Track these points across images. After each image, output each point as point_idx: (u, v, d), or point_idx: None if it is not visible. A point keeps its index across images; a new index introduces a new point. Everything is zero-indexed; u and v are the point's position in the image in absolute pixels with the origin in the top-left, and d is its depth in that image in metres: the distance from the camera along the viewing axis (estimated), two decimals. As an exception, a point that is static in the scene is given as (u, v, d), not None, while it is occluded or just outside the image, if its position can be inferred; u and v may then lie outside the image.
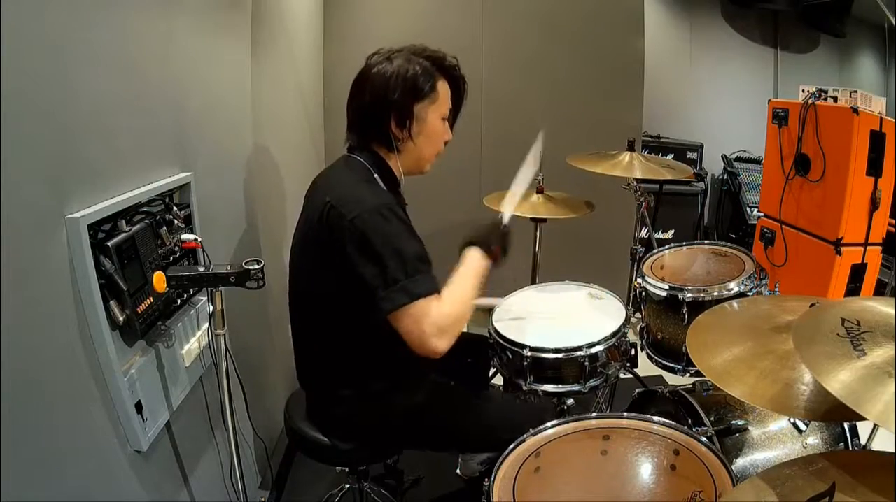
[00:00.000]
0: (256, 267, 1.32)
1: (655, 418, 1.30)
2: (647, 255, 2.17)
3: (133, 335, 1.25)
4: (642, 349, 2.00)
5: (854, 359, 0.82)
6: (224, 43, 1.78)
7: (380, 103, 1.39)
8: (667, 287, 1.89)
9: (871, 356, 0.82)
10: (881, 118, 2.75)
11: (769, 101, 3.34)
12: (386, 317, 1.27)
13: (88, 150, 1.12)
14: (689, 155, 4.50)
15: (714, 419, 1.50)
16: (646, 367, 2.03)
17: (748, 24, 4.88)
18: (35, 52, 0.97)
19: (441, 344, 1.26)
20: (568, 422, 1.31)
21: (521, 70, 3.10)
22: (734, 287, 1.83)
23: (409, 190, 1.55)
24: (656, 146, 4.43)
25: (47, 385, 1.02)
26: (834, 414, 0.99)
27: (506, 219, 1.53)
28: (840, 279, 2.92)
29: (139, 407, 1.25)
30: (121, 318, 1.19)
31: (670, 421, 1.28)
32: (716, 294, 1.82)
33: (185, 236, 1.44)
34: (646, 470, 1.20)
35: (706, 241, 2.25)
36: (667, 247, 2.20)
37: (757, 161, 4.48)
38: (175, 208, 1.44)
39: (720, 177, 4.79)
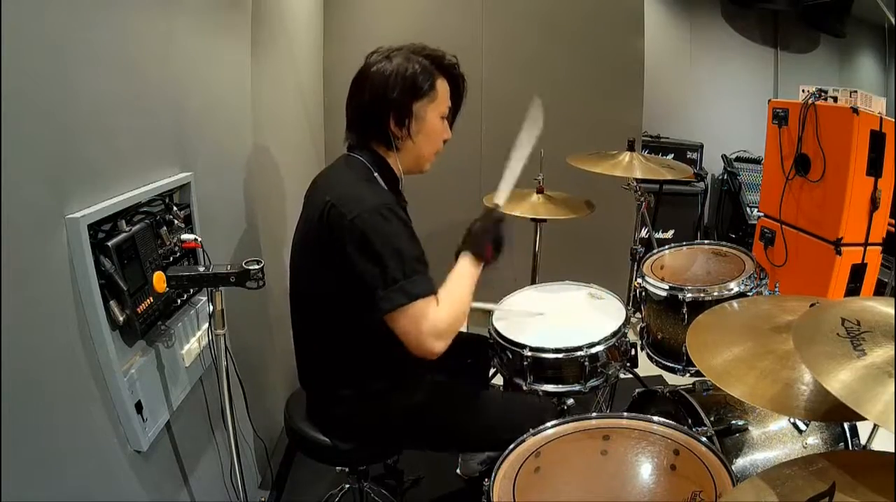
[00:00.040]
0: (256, 267, 1.32)
1: (655, 418, 1.30)
2: (647, 255, 2.17)
3: (133, 335, 1.25)
4: (642, 349, 2.00)
5: (854, 359, 0.82)
6: (224, 43, 1.78)
7: (379, 102, 1.39)
8: (667, 287, 1.89)
9: (871, 356, 0.82)
10: (881, 118, 2.75)
11: (769, 101, 3.34)
12: (384, 316, 1.27)
13: (88, 150, 1.12)
14: (689, 155, 4.50)
15: (714, 419, 1.50)
16: (646, 367, 2.03)
17: (748, 24, 4.88)
18: (35, 52, 0.97)
19: (438, 345, 1.27)
20: (568, 422, 1.31)
21: (521, 70, 3.10)
22: (734, 287, 1.83)
23: (409, 189, 1.55)
24: (656, 146, 4.43)
25: (47, 385, 1.02)
26: (834, 414, 0.99)
27: (501, 198, 1.51)
28: (840, 279, 2.92)
29: (139, 407, 1.25)
30: (121, 318, 1.19)
31: (670, 421, 1.28)
32: (716, 294, 1.82)
33: (185, 236, 1.44)
34: (646, 470, 1.20)
35: (706, 241, 2.25)
36: (667, 247, 2.20)
37: (757, 161, 4.48)
38: (175, 208, 1.44)
39: (720, 177, 4.79)
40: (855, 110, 2.73)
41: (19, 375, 0.93)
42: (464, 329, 1.42)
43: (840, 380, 0.80)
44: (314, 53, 2.86)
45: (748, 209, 4.41)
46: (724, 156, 4.72)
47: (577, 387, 1.69)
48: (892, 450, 0.87)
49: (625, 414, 1.35)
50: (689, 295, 1.82)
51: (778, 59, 4.98)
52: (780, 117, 3.17)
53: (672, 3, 4.78)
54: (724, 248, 2.12)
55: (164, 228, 1.38)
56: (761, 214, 3.44)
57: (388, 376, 1.45)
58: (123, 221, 1.23)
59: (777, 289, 1.90)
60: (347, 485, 1.76)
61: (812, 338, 0.90)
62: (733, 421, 1.48)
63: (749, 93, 4.73)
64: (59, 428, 1.05)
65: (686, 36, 4.86)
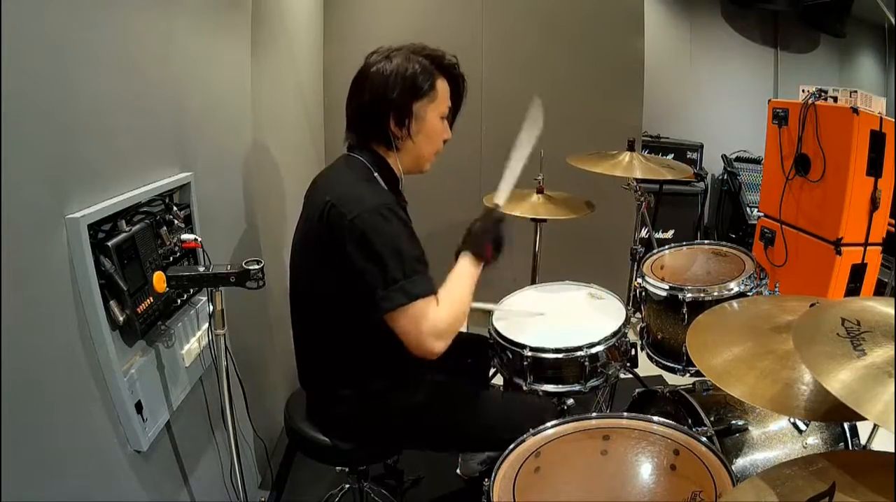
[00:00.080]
0: (256, 267, 1.32)
1: (655, 418, 1.30)
2: (647, 255, 2.17)
3: (133, 335, 1.25)
4: (642, 349, 2.00)
5: (854, 359, 0.82)
6: (224, 43, 1.78)
7: (379, 102, 1.39)
8: (667, 287, 1.89)
9: (871, 356, 0.82)
10: (881, 118, 2.75)
11: (769, 101, 3.34)
12: (384, 316, 1.27)
13: (88, 150, 1.12)
14: (689, 155, 4.50)
15: (714, 419, 1.50)
16: (646, 367, 2.03)
17: (748, 24, 4.88)
18: (35, 52, 0.97)
19: (438, 345, 1.28)
20: (568, 422, 1.31)
21: (521, 70, 3.10)
22: (734, 287, 1.83)
23: (409, 189, 1.55)
24: (656, 146, 4.43)
25: (47, 385, 1.02)
26: (834, 414, 0.99)
27: (501, 198, 1.51)
28: (840, 279, 2.92)
29: (139, 407, 1.25)
30: (121, 318, 1.19)
31: (670, 421, 1.28)
32: (716, 294, 1.82)
33: (185, 236, 1.44)
34: (646, 470, 1.20)
35: (706, 241, 2.25)
36: (667, 247, 2.20)
37: (757, 161, 4.47)
38: (175, 208, 1.44)
39: (720, 177, 4.79)
40: (855, 110, 2.73)
41: (19, 375, 0.93)
42: (464, 329, 1.42)
43: (840, 380, 0.80)
44: (314, 53, 2.86)
45: (748, 209, 4.41)
46: (724, 156, 4.72)
47: (577, 387, 1.69)
48: (892, 450, 0.87)
49: (625, 414, 1.35)
50: (689, 295, 1.82)
51: (778, 59, 4.98)
52: (780, 117, 3.17)
53: (672, 3, 4.78)
54: (724, 248, 2.12)
55: (164, 228, 1.38)
56: (761, 214, 3.44)
57: (388, 376, 1.45)
58: (123, 221, 1.23)
59: (777, 289, 1.90)
60: (347, 485, 1.76)
61: (812, 338, 0.90)
62: (733, 421, 1.48)
63: (749, 93, 4.73)
64: (59, 428, 1.05)
65: (686, 36, 4.86)
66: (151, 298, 1.29)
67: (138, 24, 1.29)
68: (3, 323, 0.90)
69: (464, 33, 3.02)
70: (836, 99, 2.96)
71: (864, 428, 1.48)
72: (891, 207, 2.89)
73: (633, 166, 2.35)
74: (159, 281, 1.26)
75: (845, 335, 0.88)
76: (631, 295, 2.46)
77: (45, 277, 1.03)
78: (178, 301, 1.46)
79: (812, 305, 1.07)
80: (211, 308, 1.36)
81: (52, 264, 1.04)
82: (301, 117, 2.66)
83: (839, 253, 2.88)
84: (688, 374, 1.89)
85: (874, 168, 2.78)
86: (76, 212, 1.08)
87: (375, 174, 1.42)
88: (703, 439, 1.22)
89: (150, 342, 1.34)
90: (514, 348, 1.68)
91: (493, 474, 1.17)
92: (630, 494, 1.15)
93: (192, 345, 1.52)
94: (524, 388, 1.70)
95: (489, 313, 1.84)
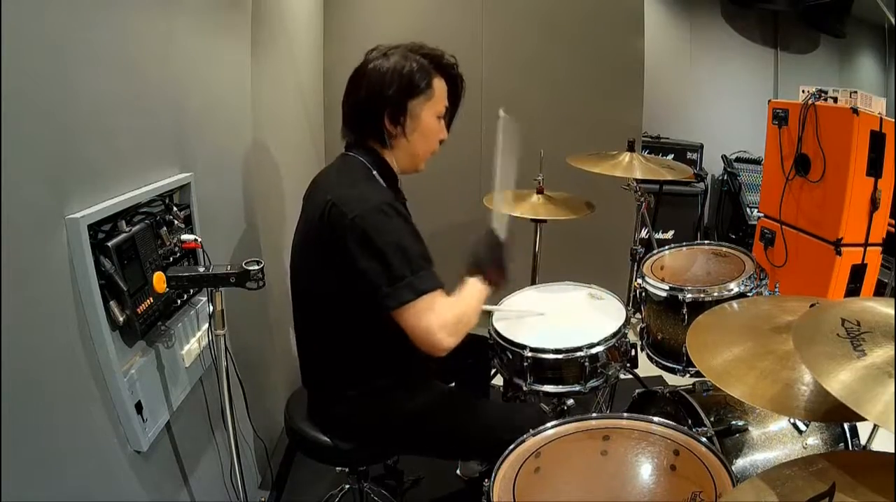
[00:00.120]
0: (256, 267, 1.32)
1: (655, 418, 1.30)
2: (647, 256, 2.17)
3: (133, 335, 1.25)
4: (642, 349, 2.00)
5: (854, 360, 0.82)
6: (224, 43, 1.78)
7: (374, 99, 1.39)
8: (667, 287, 1.89)
9: (871, 356, 0.82)
10: (881, 118, 2.75)
11: (769, 101, 3.34)
12: (391, 313, 1.26)
13: (88, 150, 1.12)
14: (689, 155, 4.50)
15: (714, 419, 1.50)
16: (646, 368, 2.03)
17: (748, 24, 4.88)
18: (35, 52, 0.97)
19: (446, 339, 1.26)
20: (568, 423, 1.31)
21: (521, 70, 3.10)
22: (734, 287, 1.83)
23: (409, 190, 1.55)
24: (656, 146, 4.43)
25: (47, 385, 1.02)
26: (834, 415, 0.99)
27: (501, 233, 1.53)
28: (840, 279, 2.92)
29: (139, 407, 1.25)
30: (121, 319, 1.19)
31: (670, 422, 1.28)
32: (716, 294, 1.82)
33: (185, 236, 1.44)
34: (646, 470, 1.20)
35: (706, 242, 2.25)
36: (667, 247, 2.19)
37: (757, 161, 4.48)
38: (175, 208, 1.44)
39: (720, 178, 4.79)
40: (855, 110, 2.73)
41: (19, 375, 0.93)
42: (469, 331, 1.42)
43: (840, 381, 0.80)
44: (314, 53, 2.86)
45: (748, 209, 4.41)
46: (724, 157, 4.72)
47: (577, 388, 1.69)
48: (892, 450, 0.87)
49: (625, 414, 1.35)
50: (689, 295, 1.82)
51: (778, 59, 4.98)
52: (780, 117, 3.17)
53: (672, 3, 4.78)
54: (724, 249, 2.12)
55: (164, 228, 1.38)
56: (761, 215, 3.44)
57: (391, 373, 1.45)
58: (123, 221, 1.23)
59: (777, 290, 1.90)
60: (347, 486, 1.76)
61: (812, 338, 0.90)
62: (733, 422, 1.48)
63: (749, 93, 4.73)
64: (59, 428, 1.05)
65: (686, 36, 4.86)
66: (151, 298, 1.29)
67: (138, 24, 1.29)
68: (3, 323, 0.90)
69: (464, 33, 3.02)
70: (836, 99, 2.96)
71: (864, 429, 1.48)
72: (891, 207, 2.89)
73: (633, 166, 2.35)
74: (159, 281, 1.26)
75: (845, 335, 0.88)
76: (631, 295, 2.46)
77: (45, 277, 1.03)
78: (178, 301, 1.46)
79: (812, 306, 1.07)
80: (211, 308, 1.36)
81: (52, 264, 1.04)
82: (301, 117, 2.66)
83: (839, 253, 2.88)
84: (688, 375, 1.89)
85: (874, 168, 2.78)
86: (76, 213, 1.08)
87: (374, 173, 1.43)
88: (703, 439, 1.22)
89: (150, 342, 1.34)
90: (514, 348, 1.68)
91: (493, 474, 1.17)
92: (630, 494, 1.15)
93: (192, 346, 1.52)
94: (524, 389, 1.70)
95: (489, 313, 1.84)
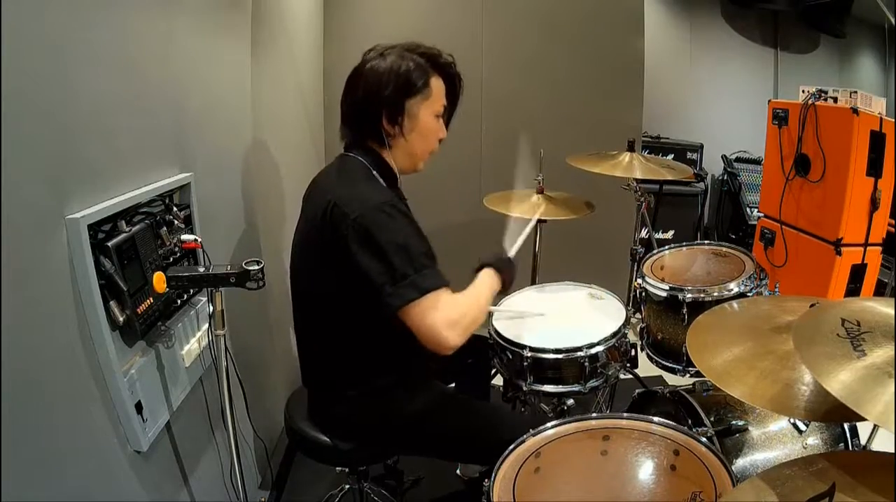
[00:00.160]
0: (256, 267, 1.32)
1: (655, 418, 1.30)
2: (647, 256, 2.17)
3: (133, 335, 1.25)
4: (642, 349, 2.00)
5: (854, 360, 0.82)
6: (224, 43, 1.78)
7: (372, 99, 1.39)
8: (667, 287, 1.89)
9: (871, 356, 0.82)
10: (881, 118, 2.75)
11: (769, 101, 3.34)
12: (395, 313, 1.26)
13: (88, 150, 1.12)
14: (689, 155, 4.50)
15: (714, 419, 1.50)
16: (646, 368, 2.03)
17: (748, 24, 4.88)
18: (35, 52, 0.97)
19: (452, 336, 1.25)
20: (568, 423, 1.31)
21: (521, 70, 3.10)
22: (734, 287, 1.83)
23: (409, 189, 1.55)
24: (656, 146, 4.43)
25: (47, 385, 1.02)
26: (834, 415, 0.99)
27: (511, 254, 1.55)
28: (840, 279, 2.92)
29: (139, 407, 1.25)
30: (121, 319, 1.19)
31: (670, 422, 1.28)
32: (716, 294, 1.82)
33: (185, 236, 1.44)
34: (646, 470, 1.20)
35: (706, 242, 2.25)
36: (667, 247, 2.19)
37: (757, 161, 4.48)
38: (175, 208, 1.44)
39: (720, 178, 4.79)
40: (855, 110, 2.73)
41: (19, 375, 0.93)
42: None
43: (840, 381, 0.80)
44: (314, 53, 2.86)
45: (748, 209, 4.41)
46: (724, 157, 4.72)
47: (577, 388, 1.69)
48: (892, 450, 0.87)
49: (625, 414, 1.35)
50: (689, 295, 1.82)
51: (778, 59, 4.99)
52: (780, 117, 3.17)
53: (672, 3, 4.78)
54: (724, 249, 2.12)
55: (164, 228, 1.38)
56: (761, 215, 3.44)
57: (392, 373, 1.45)
58: (123, 221, 1.23)
59: (777, 290, 1.90)
60: (347, 486, 1.76)
61: (812, 338, 0.90)
62: (733, 422, 1.48)
63: (749, 93, 4.73)
64: (59, 428, 1.05)
65: (686, 36, 4.86)
66: (151, 299, 1.29)
67: (138, 24, 1.29)
68: (3, 323, 0.90)
69: (464, 33, 3.02)
70: (836, 99, 2.96)
71: (864, 429, 1.48)
72: (891, 207, 2.89)
73: (633, 166, 2.35)
74: (159, 281, 1.26)
75: (845, 335, 0.88)
76: (631, 295, 2.46)
77: (45, 277, 1.03)
78: (178, 301, 1.46)
79: (812, 306, 1.07)
80: (211, 308, 1.36)
81: (52, 264, 1.04)
82: (301, 117, 2.66)
83: (839, 253, 2.88)
84: (688, 375, 1.89)
85: (874, 168, 2.78)
86: (76, 213, 1.08)
87: (374, 173, 1.43)
88: (703, 439, 1.22)
89: (150, 342, 1.34)
90: (514, 348, 1.68)
91: (493, 474, 1.17)
92: (630, 494, 1.15)
93: (192, 346, 1.52)
94: (524, 389, 1.70)
95: (489, 313, 1.84)
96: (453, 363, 1.72)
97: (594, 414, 1.36)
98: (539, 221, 2.45)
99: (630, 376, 2.26)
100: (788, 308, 1.26)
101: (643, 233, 2.73)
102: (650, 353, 2.01)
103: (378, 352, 1.44)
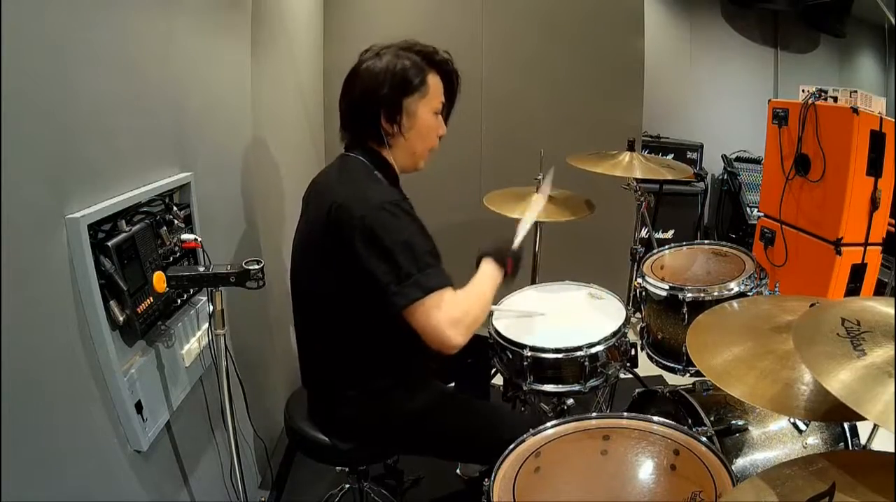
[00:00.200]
0: (256, 267, 1.32)
1: (655, 418, 1.30)
2: (647, 255, 2.17)
3: (133, 335, 1.25)
4: (642, 349, 2.00)
5: (854, 359, 0.82)
6: (224, 43, 1.78)
7: (369, 99, 1.39)
8: (667, 287, 1.89)
9: (871, 356, 0.82)
10: (881, 118, 2.75)
11: (769, 101, 3.34)
12: (400, 312, 1.26)
13: (88, 150, 1.12)
14: (689, 155, 4.50)
15: (714, 419, 1.50)
16: (646, 367, 2.03)
17: (748, 24, 4.88)
18: (35, 52, 0.97)
19: (456, 336, 1.26)
20: (568, 422, 1.31)
21: (521, 70, 3.10)
22: (734, 287, 1.83)
23: (409, 189, 1.55)
24: (656, 146, 4.43)
25: (47, 385, 1.02)
26: (834, 414, 0.99)
27: (516, 243, 1.53)
28: (840, 279, 2.92)
29: (139, 407, 1.25)
30: (121, 318, 1.19)
31: (670, 421, 1.28)
32: (716, 294, 1.82)
33: (185, 236, 1.45)
34: (646, 470, 1.20)
35: (706, 241, 2.25)
36: (667, 247, 2.20)
37: (757, 161, 4.48)
38: (175, 208, 1.44)
39: (720, 177, 4.79)
40: (855, 110, 2.73)
41: (19, 375, 0.93)
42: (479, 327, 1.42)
43: (840, 380, 0.80)
44: (314, 53, 2.86)
45: (748, 209, 4.41)
46: (724, 156, 4.72)
47: (577, 387, 1.69)
48: (892, 450, 0.87)
49: (625, 414, 1.35)
50: (689, 295, 1.82)
51: (778, 59, 4.98)
52: (780, 117, 3.17)
53: (672, 3, 4.78)
54: (724, 248, 2.12)
55: (164, 228, 1.38)
56: (761, 214, 3.44)
57: (392, 374, 1.45)
58: (123, 221, 1.23)
59: (777, 289, 1.90)
60: (347, 485, 1.77)
61: (812, 338, 0.90)
62: (733, 421, 1.48)
63: (749, 93, 4.73)
64: (59, 428, 1.05)
65: (686, 36, 4.86)
66: (151, 298, 1.29)
67: (138, 24, 1.29)
68: (3, 323, 0.90)
69: (464, 33, 3.02)
70: (836, 99, 2.96)
71: (864, 429, 1.48)
72: (891, 207, 2.89)
73: (633, 166, 2.35)
74: (159, 281, 1.26)
75: (845, 335, 0.88)
76: (631, 295, 2.46)
77: (45, 277, 1.03)
78: (178, 301, 1.46)
79: (812, 305, 1.07)
80: (211, 308, 1.36)
81: (52, 264, 1.04)
82: (301, 117, 2.66)
83: (839, 253, 2.88)
84: (688, 374, 1.89)
85: (874, 168, 2.78)
86: (76, 212, 1.08)
87: (376, 172, 1.43)
88: (703, 439, 1.22)
89: (150, 342, 1.34)
90: (513, 348, 1.68)
91: (493, 474, 1.17)
92: (630, 494, 1.15)
93: (192, 345, 1.52)
94: (524, 388, 1.70)
95: (489, 313, 1.84)
96: (453, 363, 1.72)
97: (594, 414, 1.36)
98: (537, 222, 2.46)
99: (630, 376, 2.26)
100: (788, 307, 1.26)
101: (643, 233, 2.73)
102: (650, 353, 2.01)
103: (378, 353, 1.44)
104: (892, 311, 0.91)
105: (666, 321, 1.92)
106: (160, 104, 1.40)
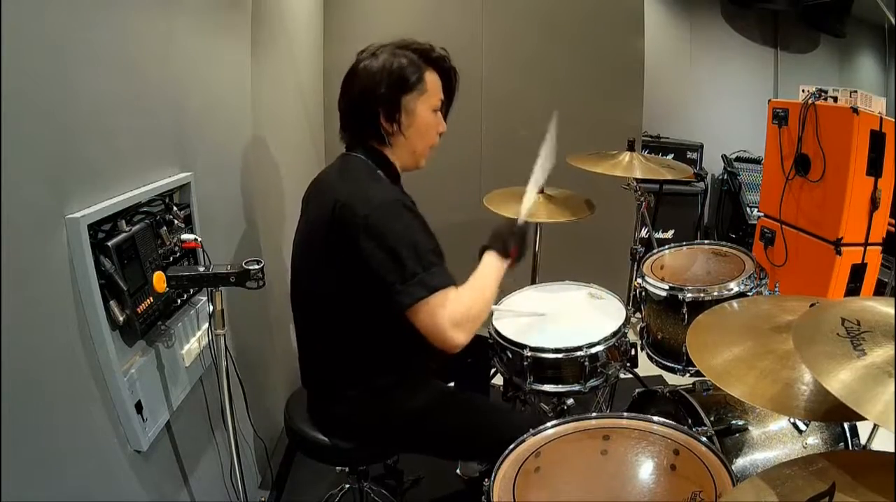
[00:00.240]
0: (256, 267, 1.32)
1: (655, 418, 1.30)
2: (647, 255, 2.17)
3: (133, 335, 1.25)
4: (642, 349, 2.00)
5: (854, 359, 0.82)
6: (224, 43, 1.78)
7: (367, 98, 1.39)
8: (667, 287, 1.89)
9: (871, 356, 0.82)
10: (881, 118, 2.75)
11: (769, 101, 3.34)
12: (404, 311, 1.26)
13: (88, 150, 1.12)
14: (689, 155, 4.50)
15: (714, 419, 1.50)
16: (646, 367, 2.03)
17: (748, 24, 4.88)
18: (35, 52, 0.97)
19: (459, 335, 1.26)
20: (568, 422, 1.31)
21: (521, 70, 3.10)
22: (734, 287, 1.83)
23: (409, 189, 1.55)
24: (656, 146, 4.43)
25: (47, 385, 1.02)
26: (834, 415, 0.99)
27: (521, 218, 1.52)
28: (840, 279, 2.92)
29: (139, 407, 1.25)
30: (121, 318, 1.19)
31: (670, 421, 1.28)
32: (716, 294, 1.82)
33: (185, 236, 1.45)
34: (646, 470, 1.20)
35: (706, 241, 2.26)
36: (667, 247, 2.20)
37: (757, 161, 4.48)
38: (175, 208, 1.44)
39: (720, 177, 4.79)
40: (855, 110, 2.73)
41: (19, 375, 0.93)
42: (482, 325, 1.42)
43: (840, 380, 0.80)
44: (314, 53, 2.86)
45: (748, 209, 4.41)
46: (724, 156, 4.72)
47: (577, 387, 1.69)
48: (892, 450, 0.87)
49: (625, 414, 1.35)
50: (689, 295, 1.82)
51: (778, 59, 4.98)
52: (780, 117, 3.17)
53: (672, 3, 4.78)
54: (724, 248, 2.12)
55: (164, 228, 1.38)
56: (761, 214, 3.44)
57: (392, 373, 1.45)
58: (123, 221, 1.23)
59: (777, 289, 1.90)
60: (347, 485, 1.77)
61: (812, 338, 0.90)
62: (733, 421, 1.48)
63: (749, 93, 4.73)
64: (59, 428, 1.05)
65: (686, 36, 4.86)
66: (151, 298, 1.29)
67: (138, 24, 1.29)
68: (3, 323, 0.90)
69: (464, 33, 3.02)
70: (836, 99, 2.96)
71: (864, 428, 1.48)
72: (891, 207, 2.89)
73: (633, 166, 2.35)
74: (159, 281, 1.26)
75: (845, 335, 0.88)
76: (631, 295, 2.46)
77: (45, 277, 1.03)
78: (178, 301, 1.46)
79: (812, 305, 1.07)
80: (211, 308, 1.36)
81: (52, 264, 1.04)
82: (301, 117, 2.66)
83: (839, 253, 2.88)
84: (688, 374, 1.89)
85: (874, 168, 2.78)
86: (76, 212, 1.08)
87: (379, 171, 1.43)
88: (703, 439, 1.22)
89: (150, 342, 1.34)
90: (514, 348, 1.68)
91: (493, 474, 1.17)
92: (630, 494, 1.15)
93: (192, 345, 1.52)
94: (524, 388, 1.70)
95: (490, 313, 1.84)
96: (453, 363, 1.72)
97: (594, 414, 1.37)
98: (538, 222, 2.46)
99: (630, 376, 2.26)
100: (788, 307, 1.26)
101: (643, 233, 2.73)
102: (650, 353, 2.01)
103: (379, 352, 1.44)
104: (892, 311, 0.91)
105: (666, 321, 1.92)
106: (160, 104, 1.40)
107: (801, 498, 0.79)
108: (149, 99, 1.34)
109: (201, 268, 1.32)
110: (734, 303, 1.40)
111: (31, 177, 0.98)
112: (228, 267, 1.32)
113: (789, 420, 1.47)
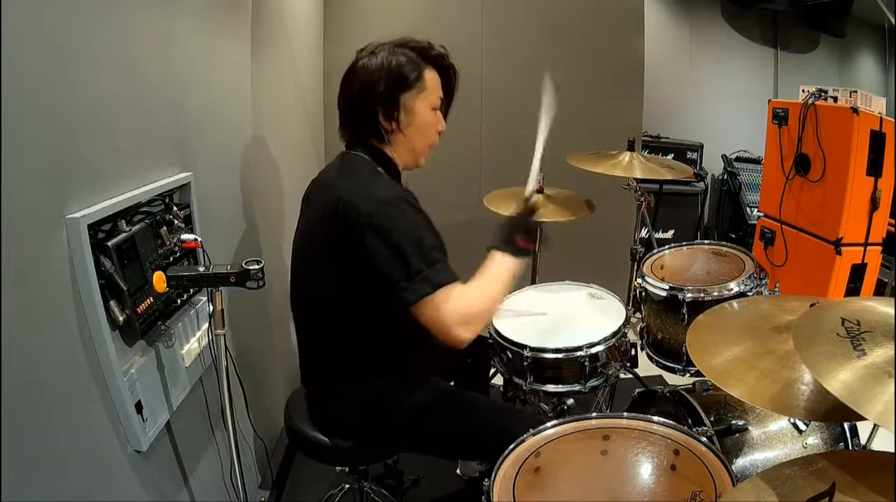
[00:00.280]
0: (256, 267, 1.32)
1: (655, 418, 1.30)
2: (647, 255, 2.17)
3: (133, 335, 1.25)
4: (642, 349, 2.00)
5: (854, 359, 0.82)
6: (224, 43, 1.78)
7: (366, 96, 1.39)
8: (667, 287, 1.89)
9: (871, 356, 0.82)
10: (881, 118, 2.75)
11: (769, 101, 3.34)
12: (409, 308, 1.26)
13: (88, 150, 1.12)
14: (689, 155, 4.50)
15: (714, 419, 1.50)
16: (646, 367, 2.04)
17: (748, 24, 4.88)
18: (35, 52, 0.97)
19: (463, 332, 1.26)
20: (568, 422, 1.31)
21: (521, 69, 3.09)
22: (734, 287, 1.83)
23: (409, 188, 1.55)
24: (656, 146, 4.43)
25: (47, 385, 1.02)
26: (834, 415, 0.99)
27: (528, 189, 1.50)
28: (840, 279, 2.92)
29: (139, 407, 1.25)
30: (121, 318, 1.19)
31: (670, 422, 1.28)
32: (716, 294, 1.83)
33: (185, 236, 1.44)
34: (646, 470, 1.20)
35: (706, 241, 2.26)
36: (667, 247, 2.20)
37: (757, 161, 4.48)
38: (175, 208, 1.44)
39: (720, 177, 4.79)
40: (855, 110, 2.73)
41: (19, 375, 0.93)
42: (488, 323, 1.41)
43: (840, 380, 0.80)
44: (314, 53, 2.86)
45: (748, 209, 4.41)
46: (724, 156, 4.72)
47: (577, 387, 1.69)
48: (892, 450, 0.87)
49: (625, 414, 1.35)
50: (689, 295, 1.83)
51: (778, 59, 4.98)
52: (780, 117, 3.17)
53: (672, 3, 4.78)
54: (724, 248, 2.12)
55: (164, 228, 1.38)
56: (761, 214, 3.44)
57: (392, 372, 1.45)
58: (123, 221, 1.23)
59: (777, 289, 1.90)
60: (347, 485, 1.76)
61: (812, 338, 0.90)
62: (733, 421, 1.48)
63: (749, 93, 4.73)
64: (59, 428, 1.05)
65: (686, 36, 4.86)
66: (151, 298, 1.29)
67: (138, 24, 1.29)
68: (3, 323, 0.90)
69: (463, 33, 3.02)
70: (836, 99, 2.96)
71: (864, 428, 1.48)
72: (891, 207, 2.89)
73: (633, 166, 2.35)
74: (159, 281, 1.26)
75: (845, 335, 0.88)
76: (631, 295, 2.46)
77: (45, 277, 1.03)
78: (178, 301, 1.46)
79: (812, 305, 1.07)
80: (211, 308, 1.36)
81: (52, 264, 1.04)
82: (301, 117, 2.66)
83: (839, 253, 2.88)
84: (688, 374, 1.89)
85: (874, 168, 2.78)
86: (76, 212, 1.08)
87: (380, 169, 1.43)
88: (703, 439, 1.22)
89: (150, 342, 1.34)
90: (514, 348, 1.69)
91: (493, 474, 1.17)
92: (630, 494, 1.15)
93: (192, 345, 1.52)
94: (524, 388, 1.70)
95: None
96: (453, 362, 1.72)
97: (594, 414, 1.37)
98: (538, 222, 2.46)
99: (630, 376, 2.27)
100: (788, 307, 1.26)
101: (643, 233, 2.73)
102: (650, 353, 2.01)
103: (379, 351, 1.44)
104: (892, 311, 0.91)
105: (666, 321, 1.92)
106: (160, 104, 1.40)
107: (801, 498, 0.79)
108: (149, 99, 1.34)
109: (201, 268, 1.32)
110: (734, 303, 1.40)
111: (31, 177, 0.97)
112: (228, 267, 1.32)
113: (789, 420, 1.47)
